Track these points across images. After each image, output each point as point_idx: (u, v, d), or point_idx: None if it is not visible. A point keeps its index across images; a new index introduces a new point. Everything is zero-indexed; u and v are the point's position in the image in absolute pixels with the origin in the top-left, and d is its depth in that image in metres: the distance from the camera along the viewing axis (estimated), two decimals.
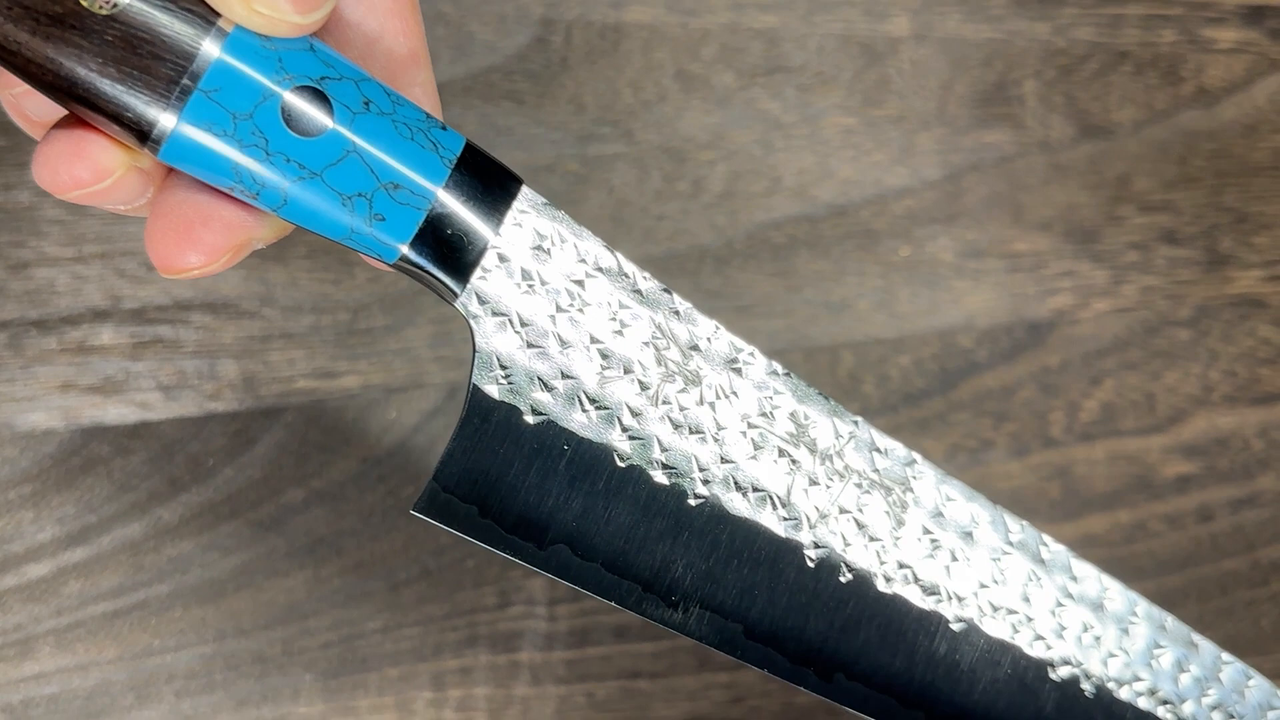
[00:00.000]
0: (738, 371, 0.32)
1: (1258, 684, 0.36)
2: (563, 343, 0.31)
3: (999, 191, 0.53)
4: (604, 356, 0.31)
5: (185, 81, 0.26)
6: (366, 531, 0.48)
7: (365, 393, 0.48)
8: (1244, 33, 0.56)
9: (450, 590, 0.48)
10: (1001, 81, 0.54)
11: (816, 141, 0.52)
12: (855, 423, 0.33)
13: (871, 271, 0.52)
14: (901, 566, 0.33)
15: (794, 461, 0.33)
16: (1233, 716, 0.36)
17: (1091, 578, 0.35)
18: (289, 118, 0.27)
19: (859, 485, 0.33)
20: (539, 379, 0.31)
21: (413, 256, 0.29)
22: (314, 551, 0.47)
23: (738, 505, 0.32)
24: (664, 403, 0.32)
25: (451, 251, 0.29)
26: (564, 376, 0.31)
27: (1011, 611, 0.34)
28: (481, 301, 0.30)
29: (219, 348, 0.47)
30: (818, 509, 0.33)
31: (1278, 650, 0.53)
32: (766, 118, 0.52)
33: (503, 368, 0.30)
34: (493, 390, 0.30)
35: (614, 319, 0.31)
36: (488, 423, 0.30)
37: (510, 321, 0.30)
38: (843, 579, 0.33)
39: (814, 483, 0.33)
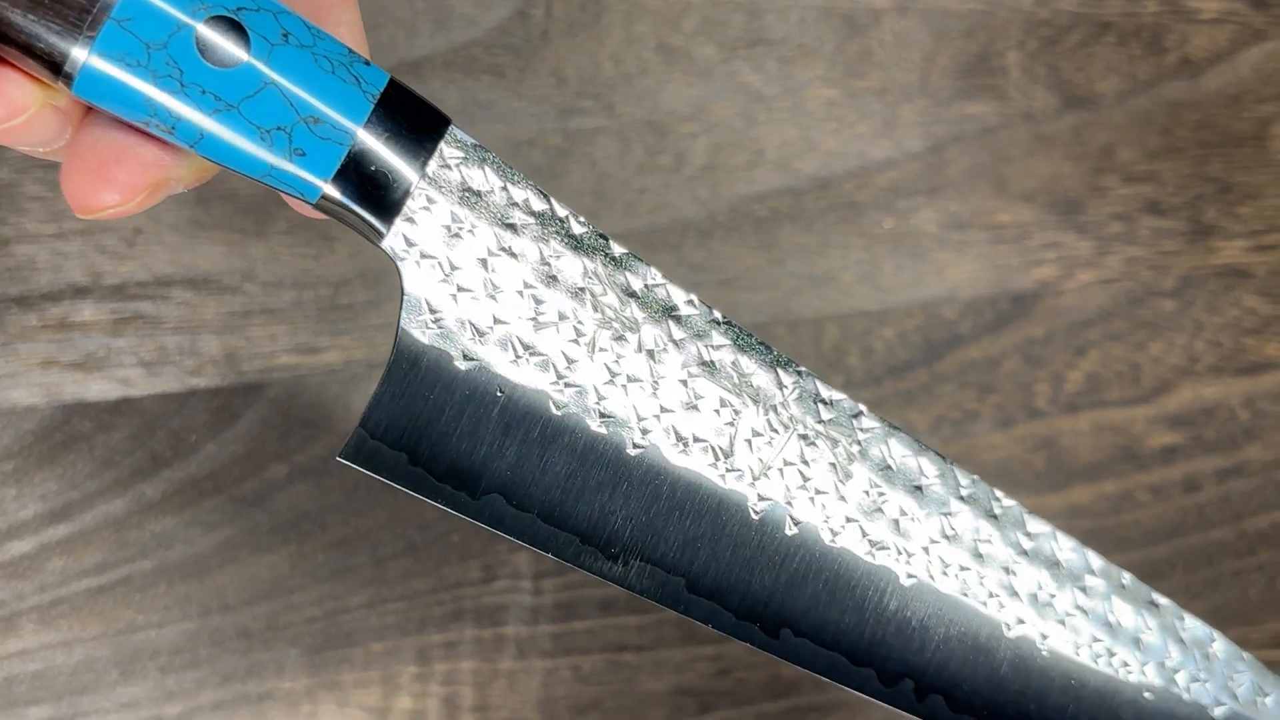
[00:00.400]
0: (677, 320, 0.31)
1: (1221, 646, 0.36)
2: (494, 287, 0.30)
3: (982, 163, 0.53)
4: (537, 302, 0.30)
5: (97, 10, 0.26)
6: (350, 506, 0.48)
7: (348, 368, 0.48)
8: (1227, 3, 0.56)
9: (435, 565, 0.48)
10: (984, 53, 0.54)
11: (799, 114, 0.52)
12: (799, 373, 0.33)
13: (855, 244, 0.52)
14: (849, 520, 0.33)
15: (736, 412, 0.32)
16: (1196, 679, 0.35)
17: (1045, 534, 0.34)
18: (204, 48, 0.27)
19: (804, 437, 0.32)
20: (470, 324, 0.30)
21: (335, 195, 0.28)
22: (298, 527, 0.47)
23: (678, 456, 0.31)
24: (600, 350, 0.31)
25: (375, 190, 0.29)
26: (496, 322, 0.30)
27: (964, 568, 0.34)
28: (409, 243, 0.29)
29: (200, 324, 0.47)
30: (761, 461, 0.32)
31: (1266, 620, 0.53)
32: (748, 90, 0.52)
33: (432, 312, 0.30)
34: (422, 335, 0.30)
35: (547, 264, 0.30)
36: (417, 368, 0.30)
37: (439, 264, 0.30)
38: (788, 532, 0.32)
39: (757, 434, 0.32)
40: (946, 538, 0.34)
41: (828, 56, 0.52)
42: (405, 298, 0.29)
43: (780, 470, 0.32)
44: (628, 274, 0.31)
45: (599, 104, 0.50)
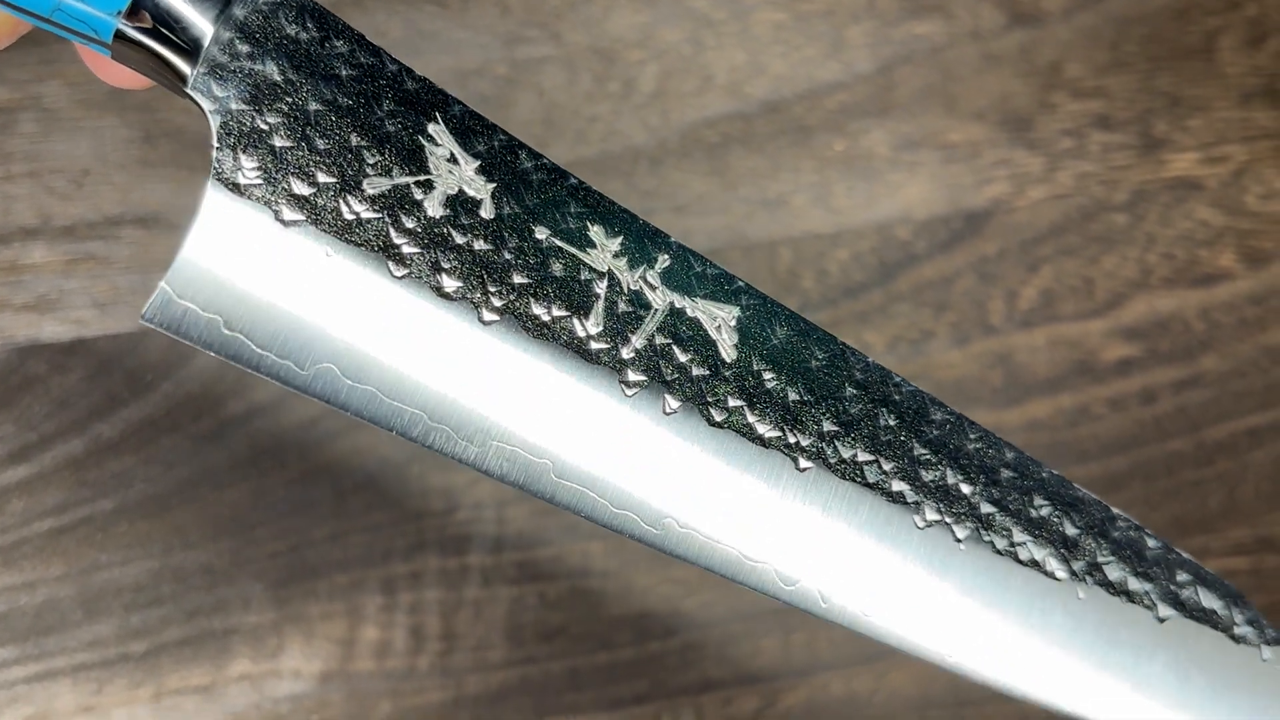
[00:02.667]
0: (528, 183, 0.29)
1: (1154, 545, 0.34)
2: (317, 142, 0.28)
3: (931, 83, 0.53)
4: (367, 160, 0.28)
5: None
6: (309, 441, 0.48)
7: None
8: None
9: (397, 497, 0.48)
10: None
11: (747, 38, 0.52)
12: (669, 244, 0.30)
13: (806, 167, 0.52)
14: (734, 401, 0.30)
15: (602, 280, 0.30)
16: (1134, 579, 0.33)
17: (951, 422, 0.32)
18: None
19: (681, 308, 0.30)
20: (291, 180, 0.28)
21: (130, 32, 0.26)
22: (257, 463, 0.47)
23: (536, 331, 0.29)
24: (444, 209, 0.28)
25: (175, 25, 0.26)
26: (322, 179, 0.28)
27: (865, 456, 0.31)
28: (218, 91, 0.27)
29: (152, 262, 0.47)
30: (630, 337, 0.30)
31: (1226, 529, 0.54)
32: (696, 15, 0.52)
33: (248, 166, 0.27)
34: (236, 188, 0.27)
35: (378, 120, 0.28)
36: (230, 225, 0.27)
37: (255, 116, 0.27)
38: (667, 411, 0.30)
39: (624, 308, 0.30)
40: (842, 425, 0.31)
41: None
42: (216, 149, 0.27)
43: (653, 347, 0.30)
44: (471, 134, 0.29)
45: (545, 32, 0.50)
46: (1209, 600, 0.34)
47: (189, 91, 0.27)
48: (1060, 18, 0.54)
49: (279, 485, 0.47)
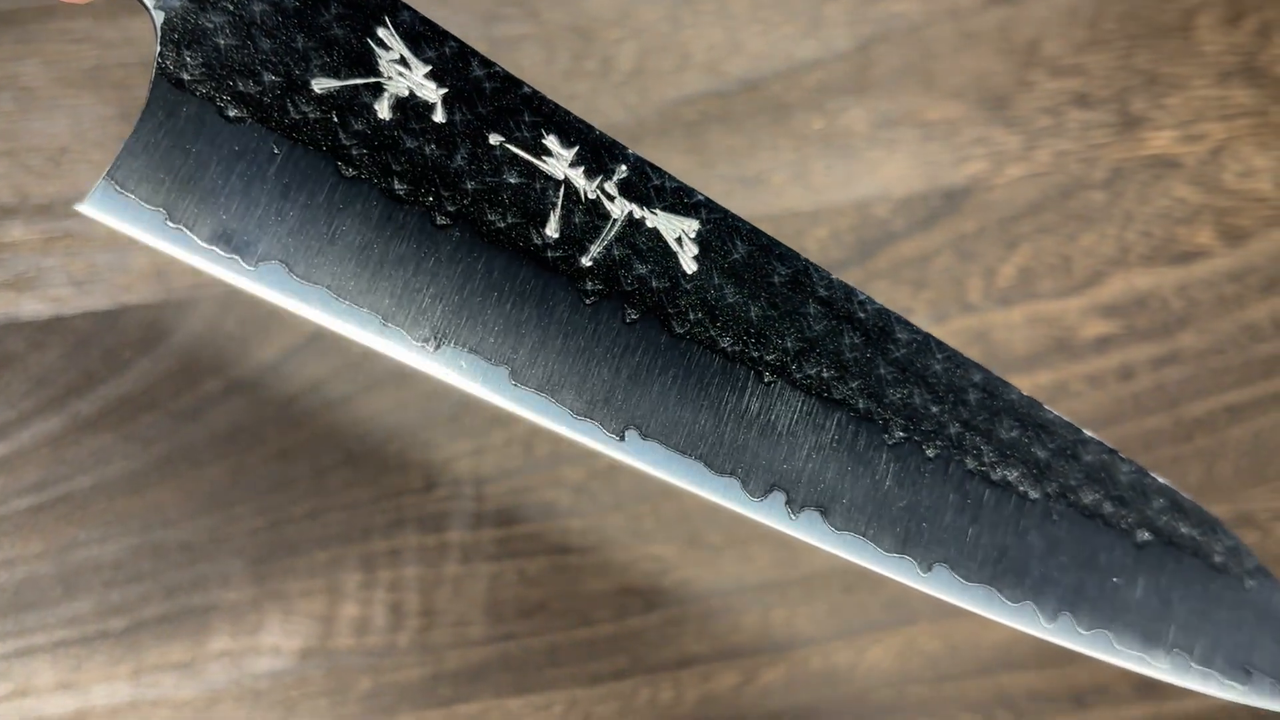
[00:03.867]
0: (481, 91, 0.29)
1: (1128, 470, 0.34)
2: (264, 38, 0.28)
3: (910, 61, 0.53)
4: (317, 57, 0.28)
5: None
6: (288, 419, 0.48)
7: None
8: None
9: (375, 474, 0.48)
10: None
11: (725, 16, 0.52)
12: (628, 156, 0.30)
13: (785, 145, 0.52)
14: (696, 310, 0.30)
15: (559, 189, 0.29)
16: (1107, 502, 0.33)
17: (917, 341, 0.32)
18: None
19: (640, 219, 0.30)
20: (238, 72, 0.27)
21: None
22: (235, 440, 0.47)
23: (493, 233, 0.29)
24: (394, 112, 0.28)
25: None
26: (270, 73, 0.28)
27: (832, 371, 0.31)
28: None
29: (129, 240, 0.47)
30: (589, 244, 0.30)
31: (1205, 505, 0.54)
32: None
33: (193, 56, 0.27)
34: (181, 81, 0.27)
35: (325, 20, 0.28)
36: (175, 116, 0.27)
37: (200, 11, 0.27)
38: (627, 320, 0.30)
39: (587, 212, 0.30)
40: (806, 338, 0.31)
41: None
42: (161, 35, 0.27)
43: (613, 254, 0.30)
44: (422, 40, 0.29)
45: (523, 10, 0.50)
46: (1187, 527, 0.34)
47: None
48: None
49: (258, 462, 0.48)
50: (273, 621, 0.47)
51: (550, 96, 0.29)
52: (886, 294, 0.52)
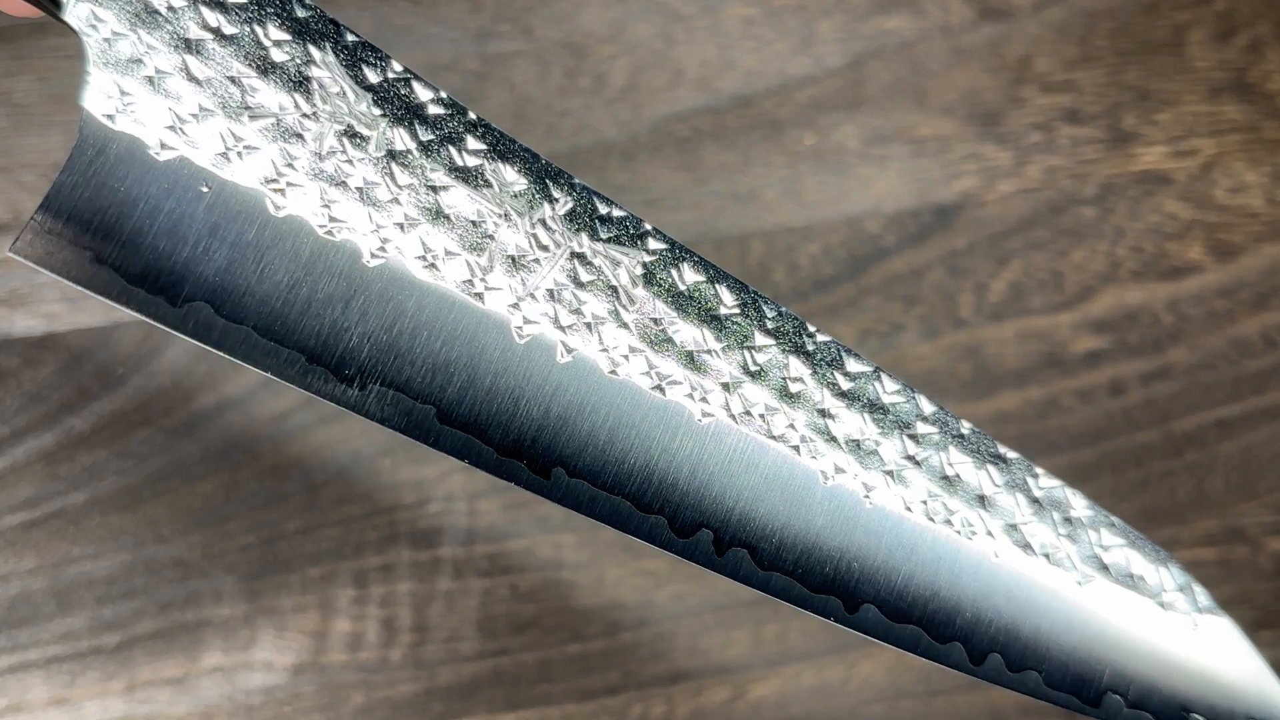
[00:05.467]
0: (424, 120, 0.28)
1: (1084, 508, 0.33)
2: (197, 71, 0.27)
3: (901, 77, 0.53)
4: (250, 91, 0.27)
5: None
6: (280, 435, 0.48)
7: None
8: None
9: (368, 490, 0.49)
10: None
11: (717, 33, 0.52)
12: (573, 186, 0.29)
13: (777, 161, 0.52)
14: (632, 351, 0.29)
15: (495, 225, 0.29)
16: (1056, 545, 0.32)
17: (866, 374, 0.31)
18: None
19: (578, 256, 0.29)
20: (169, 110, 0.27)
21: None
22: (228, 456, 0.48)
23: (424, 271, 0.28)
24: (329, 149, 0.28)
25: None
26: (200, 110, 0.27)
27: (770, 409, 0.30)
28: (95, 16, 0.26)
29: None
30: (525, 281, 0.29)
31: (1195, 519, 0.54)
32: (666, 10, 0.52)
33: (122, 94, 0.27)
34: (109, 119, 0.27)
35: (262, 49, 0.27)
36: (104, 155, 0.27)
37: (132, 41, 0.27)
38: (560, 360, 0.29)
39: (520, 250, 0.29)
40: (750, 374, 0.30)
41: None
42: (88, 75, 0.26)
43: (550, 292, 0.29)
44: (364, 65, 0.28)
45: (516, 27, 0.51)
46: (1138, 565, 0.32)
47: (65, 18, 0.26)
48: (1029, 12, 0.55)
49: (251, 478, 0.48)
50: (266, 637, 0.47)
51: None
52: (878, 310, 0.52)
